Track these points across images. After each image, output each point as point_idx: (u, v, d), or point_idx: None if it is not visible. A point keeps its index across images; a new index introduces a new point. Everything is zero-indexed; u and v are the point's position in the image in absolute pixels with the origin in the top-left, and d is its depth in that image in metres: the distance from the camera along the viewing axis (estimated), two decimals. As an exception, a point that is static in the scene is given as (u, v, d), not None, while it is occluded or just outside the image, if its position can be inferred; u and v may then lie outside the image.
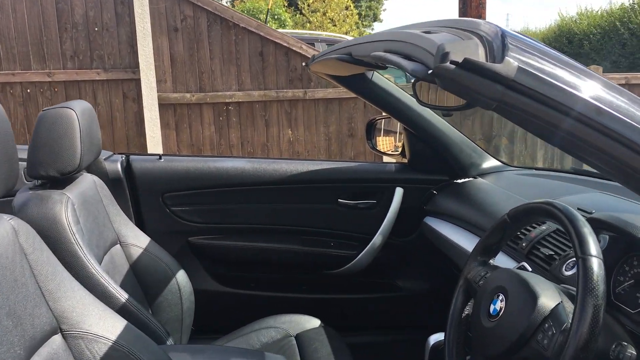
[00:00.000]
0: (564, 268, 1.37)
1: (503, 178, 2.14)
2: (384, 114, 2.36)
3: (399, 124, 2.55)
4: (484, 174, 2.22)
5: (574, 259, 1.36)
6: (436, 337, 1.52)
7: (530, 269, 1.30)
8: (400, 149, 2.48)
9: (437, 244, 2.08)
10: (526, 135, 6.26)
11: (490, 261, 1.30)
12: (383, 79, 2.07)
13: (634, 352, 0.94)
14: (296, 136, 5.77)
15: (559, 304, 1.03)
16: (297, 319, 1.99)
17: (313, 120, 5.76)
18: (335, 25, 17.26)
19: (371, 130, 2.46)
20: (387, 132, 2.64)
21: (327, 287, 2.36)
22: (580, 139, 0.76)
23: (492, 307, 1.12)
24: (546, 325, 1.01)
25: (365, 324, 2.41)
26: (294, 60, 5.62)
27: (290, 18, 15.24)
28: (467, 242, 1.85)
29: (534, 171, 2.20)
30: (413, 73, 0.85)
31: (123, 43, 5.21)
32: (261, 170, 2.22)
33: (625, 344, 0.97)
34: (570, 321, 0.99)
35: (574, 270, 1.34)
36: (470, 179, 2.18)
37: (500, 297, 1.11)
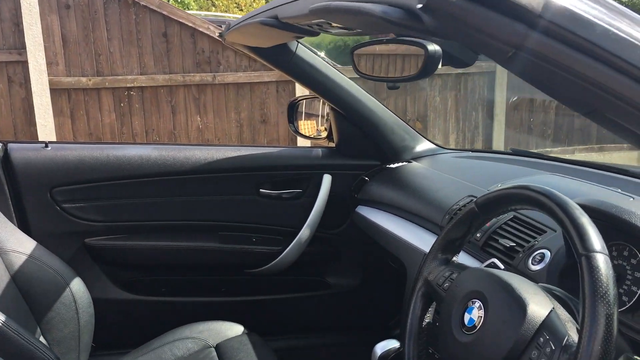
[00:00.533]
0: (530, 262, 1.20)
1: (440, 161, 1.97)
2: (307, 93, 2.13)
3: (321, 106, 2.33)
4: (417, 157, 2.05)
5: (543, 250, 1.20)
6: (383, 346, 1.32)
7: (502, 267, 1.11)
8: (323, 133, 2.26)
9: (371, 234, 1.88)
10: (439, 119, 6.27)
11: (454, 259, 1.10)
12: (308, 52, 1.83)
13: None
14: (205, 123, 5.43)
15: (551, 311, 0.85)
16: (217, 327, 1.73)
17: (223, 106, 5.44)
18: (241, 10, 16.84)
19: (293, 113, 2.22)
20: (309, 116, 2.42)
21: (250, 288, 2.11)
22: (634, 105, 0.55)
23: (466, 317, 0.92)
24: (541, 339, 0.81)
25: (294, 327, 2.18)
26: (201, 42, 5.26)
27: (194, 1, 14.64)
28: (405, 231, 1.67)
29: (470, 153, 2.04)
30: (386, 16, 0.61)
31: (6, 21, 4.65)
32: (170, 158, 1.92)
33: (632, 356, 0.80)
34: (570, 334, 0.81)
35: (542, 265, 1.17)
36: (404, 163, 2.00)
37: (476, 305, 0.91)
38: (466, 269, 1.03)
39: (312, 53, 1.85)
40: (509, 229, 1.31)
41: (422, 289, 1.10)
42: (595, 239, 0.79)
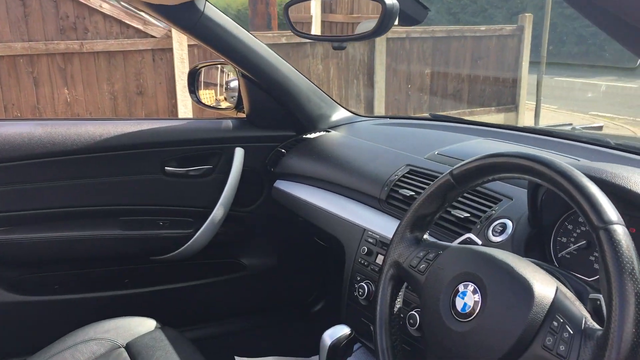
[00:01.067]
0: (490, 233, 1.14)
1: (361, 130, 1.88)
2: (213, 59, 1.94)
3: (219, 75, 2.14)
4: (335, 126, 1.94)
5: (503, 220, 1.14)
6: (332, 333, 1.21)
7: (479, 242, 1.03)
8: (223, 103, 2.08)
9: (295, 210, 1.75)
10: (322, 86, 6.20)
11: (425, 237, 1.01)
12: (218, 13, 1.64)
13: None
14: (74, 96, 4.95)
15: (557, 290, 0.78)
16: (125, 324, 1.53)
17: (94, 77, 4.99)
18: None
19: (194, 81, 2.02)
20: (207, 85, 2.22)
21: (159, 277, 1.91)
22: None
23: (459, 303, 0.83)
24: (554, 323, 0.74)
25: (211, 315, 2.02)
26: (65, 6, 4.75)
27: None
28: (338, 206, 1.56)
29: (389, 120, 1.97)
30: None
31: None
32: (59, 135, 1.65)
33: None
34: (586, 316, 0.74)
35: (505, 236, 1.11)
36: (323, 133, 1.88)
37: (470, 288, 0.82)
38: (447, 248, 0.93)
39: (222, 14, 1.66)
40: (460, 198, 1.23)
41: (391, 271, 0.99)
42: (611, 210, 0.72)
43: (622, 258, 0.68)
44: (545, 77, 7.96)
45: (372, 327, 1.00)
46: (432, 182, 1.33)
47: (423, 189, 1.34)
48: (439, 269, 0.89)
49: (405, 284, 1.01)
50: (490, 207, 1.19)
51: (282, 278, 2.09)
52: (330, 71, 6.27)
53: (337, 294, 2.16)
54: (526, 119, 7.69)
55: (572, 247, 1.06)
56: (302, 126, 1.91)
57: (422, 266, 0.94)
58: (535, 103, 7.68)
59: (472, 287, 0.82)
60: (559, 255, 1.09)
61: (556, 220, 1.09)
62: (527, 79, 7.57)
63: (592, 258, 1.03)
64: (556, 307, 0.75)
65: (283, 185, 1.82)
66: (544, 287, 0.77)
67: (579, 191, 0.74)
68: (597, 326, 0.72)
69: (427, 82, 7.00)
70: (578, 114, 9.19)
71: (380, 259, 1.34)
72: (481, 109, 7.40)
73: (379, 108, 6.50)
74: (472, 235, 1.03)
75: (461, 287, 0.83)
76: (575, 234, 1.06)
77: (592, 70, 13.16)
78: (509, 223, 1.12)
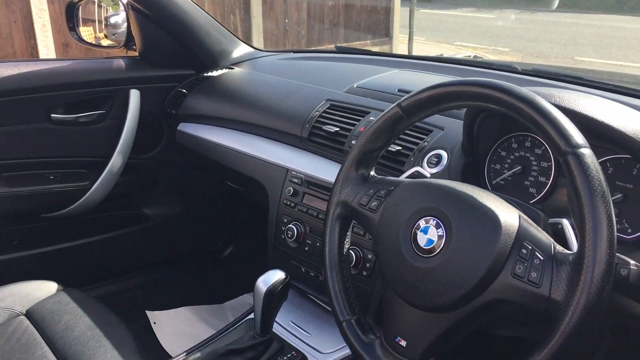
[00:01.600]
0: (425, 164, 1.13)
1: (266, 66, 1.79)
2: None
3: (96, 10, 1.93)
4: (237, 63, 1.83)
5: (437, 151, 1.13)
6: (266, 279, 1.15)
7: (428, 175, 1.01)
8: (103, 41, 1.89)
9: (206, 154, 1.64)
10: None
11: (372, 173, 0.97)
12: None
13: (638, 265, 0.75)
14: None
15: (520, 219, 0.77)
16: (22, 289, 1.39)
17: None
18: None
19: (72, 17, 1.81)
20: (85, 21, 2.00)
21: (56, 235, 1.74)
22: None
23: (421, 239, 0.81)
24: (523, 250, 0.74)
25: (117, 270, 1.89)
26: None
27: None
28: (255, 148, 1.48)
29: (293, 54, 1.89)
30: None
31: None
32: None
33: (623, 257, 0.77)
34: (553, 242, 0.74)
35: (441, 167, 1.10)
36: (225, 70, 1.77)
37: (432, 223, 0.80)
38: (400, 184, 0.90)
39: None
40: None
41: (338, 211, 0.95)
42: (578, 134, 0.72)
43: (593, 181, 0.68)
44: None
45: (322, 270, 0.96)
46: (359, 117, 1.30)
47: (349, 124, 1.30)
48: (394, 206, 0.86)
49: (352, 223, 0.98)
50: (421, 138, 1.18)
51: (189, 226, 2.00)
52: (205, 5, 5.95)
53: (248, 237, 2.11)
54: (400, 51, 7.87)
55: (507, 173, 1.07)
56: (202, 64, 1.78)
57: (374, 204, 0.90)
58: (407, 35, 7.85)
59: (435, 222, 0.80)
60: (493, 182, 1.10)
61: (490, 148, 1.10)
62: (399, 11, 7.71)
63: (527, 183, 1.06)
64: (523, 234, 0.75)
65: (188, 128, 1.69)
66: (509, 215, 0.77)
67: (544, 117, 0.73)
68: (567, 251, 0.73)
69: (304, 15, 6.89)
70: (445, 44, 9.55)
71: (308, 198, 1.29)
72: (358, 42, 7.45)
73: (257, 44, 6.30)
74: (420, 169, 1.01)
75: (422, 223, 0.81)
76: (509, 160, 1.08)
77: (454, 2, 13.69)
78: (444, 154, 1.11)
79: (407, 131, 1.20)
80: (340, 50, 1.84)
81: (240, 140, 1.51)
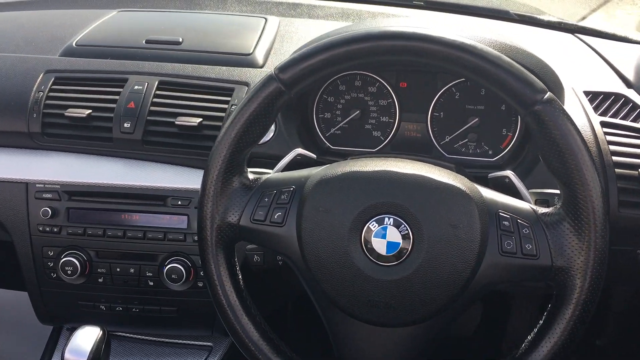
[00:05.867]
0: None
1: None
2: None
3: None
4: None
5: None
6: (77, 348, 0.83)
7: (314, 155, 0.81)
8: None
9: None
10: None
11: (251, 175, 0.74)
12: None
13: None
14: None
15: (478, 187, 0.70)
16: None
17: None
18: None
19: None
20: None
21: None
22: None
23: (378, 245, 0.66)
24: (505, 222, 0.67)
25: None
26: None
27: None
28: None
29: None
30: None
31: None
32: None
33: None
34: (532, 205, 0.69)
35: (271, 134, 0.93)
36: None
37: (389, 222, 0.66)
38: (308, 178, 0.70)
39: None
40: (183, 98, 0.97)
41: (219, 237, 0.72)
42: (537, 80, 0.65)
43: (574, 125, 0.64)
44: None
45: (223, 319, 0.73)
46: (111, 88, 0.97)
47: (93, 100, 0.98)
48: (321, 212, 0.67)
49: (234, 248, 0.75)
50: (226, 102, 0.95)
51: None
52: None
53: None
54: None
55: (345, 120, 0.97)
56: None
57: (277, 214, 0.70)
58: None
59: (391, 220, 0.66)
60: (327, 134, 0.98)
61: (314, 96, 0.96)
62: None
63: (369, 126, 0.97)
64: (492, 203, 0.68)
65: None
66: (467, 184, 0.68)
67: (503, 69, 0.64)
68: (548, 209, 0.68)
69: None
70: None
71: (78, 214, 0.98)
72: None
73: None
74: (301, 150, 0.81)
75: (373, 225, 0.66)
76: (339, 106, 0.97)
77: None
78: None
79: (205, 96, 0.96)
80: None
81: None
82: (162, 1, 1.35)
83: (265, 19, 1.18)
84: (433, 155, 0.95)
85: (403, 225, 0.66)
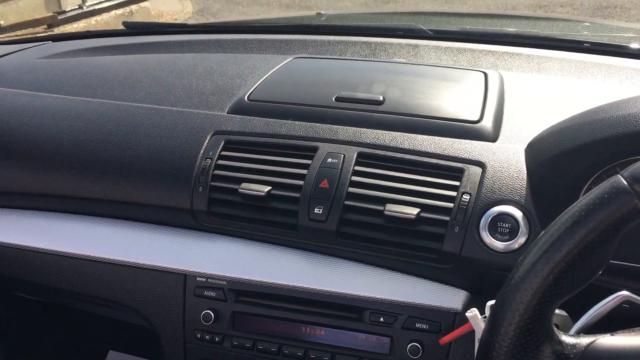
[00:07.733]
0: (485, 232, 0.73)
1: (23, 76, 1.10)
2: None
3: None
4: None
5: (501, 208, 0.84)
6: None
7: None
8: None
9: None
10: None
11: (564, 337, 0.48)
12: None
13: None
14: None
15: None
16: None
17: None
18: None
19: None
20: None
21: None
22: None
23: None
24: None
25: None
26: None
27: None
28: (83, 243, 0.88)
29: (51, 44, 1.24)
30: None
31: None
32: None
33: None
34: None
35: (521, 237, 0.75)
36: None
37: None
38: None
39: None
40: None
41: None
42: None
43: None
44: None
45: None
46: (298, 160, 0.76)
47: (274, 173, 0.77)
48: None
49: None
50: (454, 187, 0.75)
51: None
52: None
53: None
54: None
55: None
56: None
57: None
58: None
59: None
60: None
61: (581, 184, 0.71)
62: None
63: None
64: None
65: None
66: None
67: None
68: None
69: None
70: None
71: (248, 321, 0.78)
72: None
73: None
74: (628, 293, 0.58)
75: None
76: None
77: None
78: (517, 214, 0.72)
79: (411, 171, 0.69)
80: (131, 26, 1.22)
81: (63, 234, 0.83)
82: (344, 46, 1.12)
83: (485, 74, 0.93)
84: None
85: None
